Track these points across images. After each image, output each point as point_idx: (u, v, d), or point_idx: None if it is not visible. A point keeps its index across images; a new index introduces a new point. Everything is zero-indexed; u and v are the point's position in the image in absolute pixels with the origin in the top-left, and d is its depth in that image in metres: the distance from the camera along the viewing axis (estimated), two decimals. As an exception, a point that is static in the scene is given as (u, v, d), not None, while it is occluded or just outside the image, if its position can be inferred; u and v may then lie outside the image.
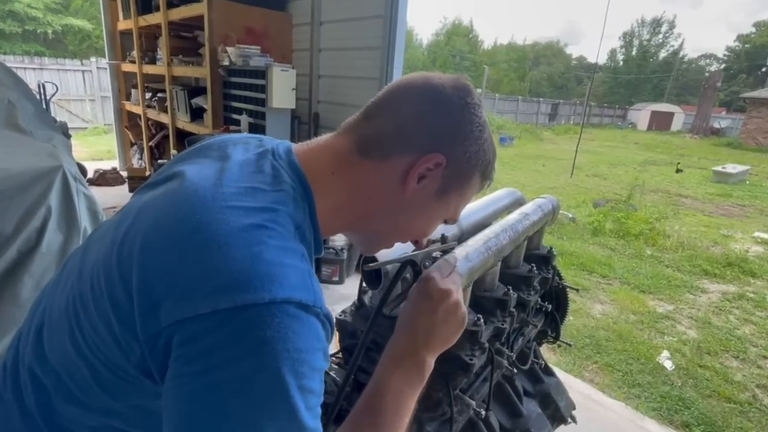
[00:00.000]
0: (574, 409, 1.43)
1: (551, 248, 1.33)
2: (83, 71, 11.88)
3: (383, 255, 0.78)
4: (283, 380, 0.41)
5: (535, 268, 1.19)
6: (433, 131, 0.58)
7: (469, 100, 0.60)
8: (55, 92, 5.29)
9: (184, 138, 4.50)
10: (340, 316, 0.94)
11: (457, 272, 0.72)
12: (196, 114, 4.51)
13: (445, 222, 0.69)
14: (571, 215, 6.20)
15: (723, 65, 46.64)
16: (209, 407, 0.41)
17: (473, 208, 1.12)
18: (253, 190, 0.51)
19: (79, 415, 0.52)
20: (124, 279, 0.47)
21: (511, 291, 1.02)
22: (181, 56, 4.71)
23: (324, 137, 0.63)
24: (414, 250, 0.76)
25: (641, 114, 32.95)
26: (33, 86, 3.78)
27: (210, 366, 0.41)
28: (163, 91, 5.03)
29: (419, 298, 0.67)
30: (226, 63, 3.81)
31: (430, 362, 0.65)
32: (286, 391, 0.41)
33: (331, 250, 3.31)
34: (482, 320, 0.89)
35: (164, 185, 0.57)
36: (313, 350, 0.44)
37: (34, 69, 10.95)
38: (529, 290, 1.15)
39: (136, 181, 5.42)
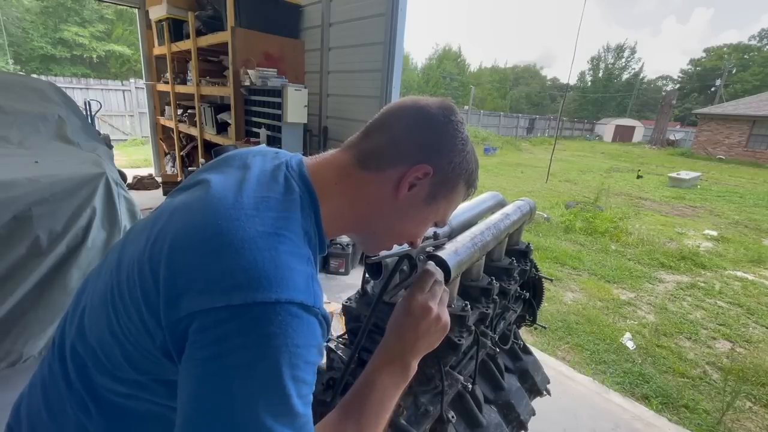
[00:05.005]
0: (548, 383, 1.43)
1: (529, 244, 1.32)
2: (123, 90, 11.89)
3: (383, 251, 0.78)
4: (280, 370, 0.42)
5: (514, 261, 1.19)
6: (421, 145, 0.58)
7: (452, 118, 0.60)
8: (99, 109, 5.27)
9: (210, 148, 4.50)
10: (346, 302, 0.94)
11: (438, 282, 0.69)
12: (221, 128, 4.51)
13: (435, 225, 0.68)
14: (546, 215, 6.19)
15: (677, 85, 46.61)
16: (216, 388, 0.41)
17: (461, 209, 1.12)
18: (268, 200, 0.51)
19: (110, 384, 0.53)
20: (154, 272, 0.47)
21: (494, 281, 1.02)
22: (208, 77, 4.71)
23: (330, 152, 0.63)
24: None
25: (607, 128, 32.92)
26: (80, 104, 3.77)
27: (220, 352, 0.41)
28: (193, 107, 5.03)
29: (403, 315, 0.65)
30: (247, 83, 3.81)
31: (414, 365, 0.64)
32: (282, 379, 0.42)
33: (338, 245, 3.30)
34: (469, 306, 0.88)
35: (192, 190, 0.57)
36: (309, 346, 0.45)
37: (80, 89, 10.96)
38: (510, 280, 1.15)
39: (169, 186, 5.42)
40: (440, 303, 0.67)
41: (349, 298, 0.94)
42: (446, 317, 0.66)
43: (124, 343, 0.50)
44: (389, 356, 0.63)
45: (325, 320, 0.48)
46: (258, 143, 3.71)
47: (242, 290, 0.42)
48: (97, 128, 3.83)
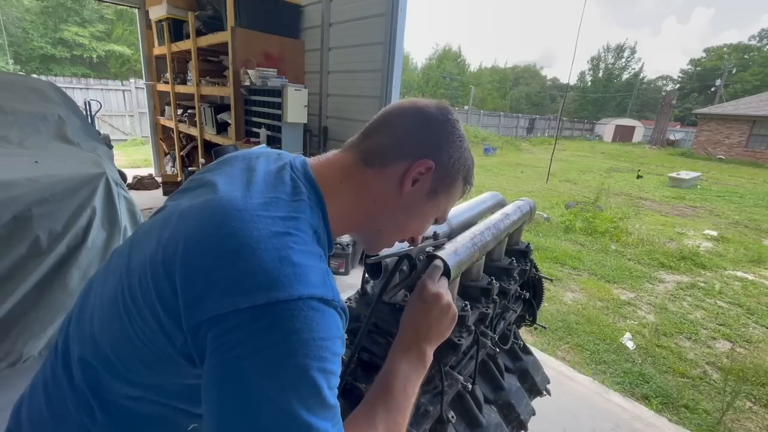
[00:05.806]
0: (548, 383, 1.43)
1: (529, 244, 1.32)
2: (123, 90, 11.89)
3: (383, 250, 0.78)
4: (309, 364, 0.42)
5: (514, 261, 1.19)
6: (423, 141, 0.61)
7: (449, 117, 0.63)
8: (99, 109, 5.27)
9: (210, 148, 4.51)
10: (346, 302, 0.93)
11: (444, 276, 0.73)
12: (221, 128, 4.51)
13: (436, 221, 0.70)
14: (546, 215, 6.19)
15: (677, 85, 46.65)
16: (247, 387, 0.42)
17: (461, 209, 1.12)
18: (277, 200, 0.52)
19: (122, 389, 0.53)
20: (169, 274, 0.47)
21: (494, 281, 1.02)
22: (208, 77, 4.71)
23: (332, 152, 0.65)
24: (410, 246, 0.76)
25: (607, 127, 32.93)
26: (80, 104, 3.77)
27: (248, 352, 0.42)
28: (193, 107, 5.03)
29: (416, 302, 0.69)
30: (247, 83, 3.81)
31: (430, 353, 0.67)
32: (311, 373, 0.42)
33: (338, 245, 3.31)
34: (469, 306, 0.88)
35: (197, 192, 0.58)
36: (333, 338, 0.45)
37: (80, 89, 10.96)
38: (510, 280, 1.15)
39: (169, 186, 5.42)
40: (447, 293, 0.70)
41: (348, 298, 0.94)
42: (455, 307, 0.70)
43: (138, 346, 0.50)
44: (406, 345, 0.66)
45: (344, 312, 0.50)
46: (258, 143, 3.71)
47: (264, 290, 0.43)
48: (97, 128, 3.83)
